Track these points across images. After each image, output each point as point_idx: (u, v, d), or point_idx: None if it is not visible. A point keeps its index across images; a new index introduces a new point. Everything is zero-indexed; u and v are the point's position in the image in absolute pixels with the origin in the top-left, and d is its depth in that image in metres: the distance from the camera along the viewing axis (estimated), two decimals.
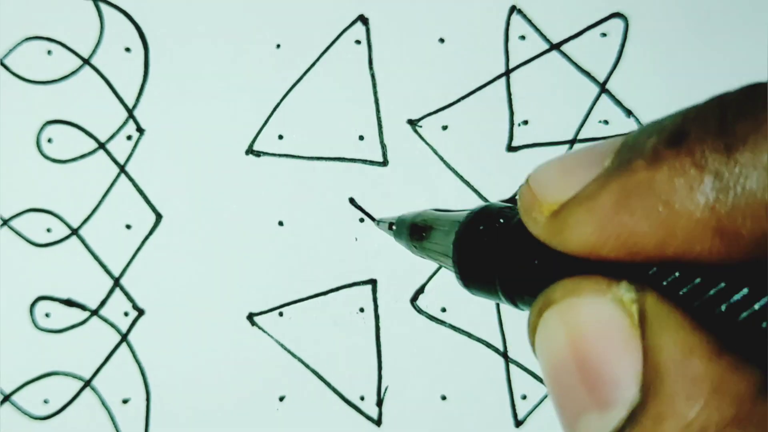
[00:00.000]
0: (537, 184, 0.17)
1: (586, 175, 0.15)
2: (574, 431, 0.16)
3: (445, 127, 0.33)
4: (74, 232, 0.33)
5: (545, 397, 0.33)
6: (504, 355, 0.33)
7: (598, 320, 0.16)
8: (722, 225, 0.14)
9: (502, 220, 0.22)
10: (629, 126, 0.32)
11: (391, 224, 0.30)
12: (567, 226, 0.15)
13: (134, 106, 0.33)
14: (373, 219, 0.33)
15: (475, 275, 0.23)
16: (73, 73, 0.33)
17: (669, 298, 0.15)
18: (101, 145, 0.33)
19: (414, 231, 0.28)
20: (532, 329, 0.18)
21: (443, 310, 0.33)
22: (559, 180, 0.16)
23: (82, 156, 0.33)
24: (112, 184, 0.33)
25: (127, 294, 0.33)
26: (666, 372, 0.14)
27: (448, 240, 0.25)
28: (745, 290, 0.15)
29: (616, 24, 0.32)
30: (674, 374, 0.14)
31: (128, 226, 0.33)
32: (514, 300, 0.21)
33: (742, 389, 0.13)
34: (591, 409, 0.16)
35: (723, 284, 0.15)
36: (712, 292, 0.15)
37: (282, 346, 0.33)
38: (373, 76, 0.33)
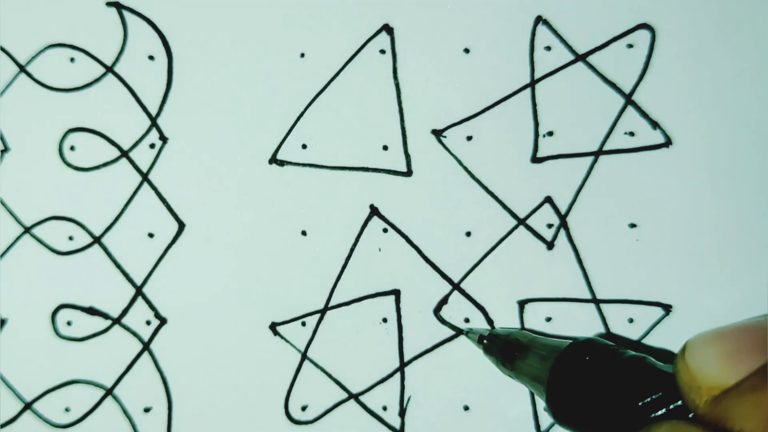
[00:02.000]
0: (695, 364, 0.16)
1: (750, 362, 0.15)
2: None
3: (469, 138, 0.33)
4: (96, 240, 0.33)
5: None
6: None
7: None
8: None
9: (606, 357, 0.22)
10: (655, 138, 0.32)
11: (482, 337, 0.30)
12: (730, 417, 0.15)
13: (157, 115, 0.33)
14: (396, 229, 0.33)
15: (569, 407, 0.23)
16: (96, 80, 0.33)
17: None
18: (124, 153, 0.33)
19: (507, 349, 0.28)
20: None
21: (466, 320, 0.33)
22: (720, 364, 0.16)
23: (105, 164, 0.33)
24: (134, 193, 0.33)
25: (149, 302, 0.33)
26: None
27: (545, 365, 0.25)
28: None
29: (643, 35, 0.32)
30: None
31: (151, 235, 0.33)
32: None
33: None
34: None
35: None
36: None
37: (304, 355, 0.33)
38: (397, 85, 0.33)
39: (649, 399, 0.19)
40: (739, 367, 0.15)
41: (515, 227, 0.33)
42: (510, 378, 0.28)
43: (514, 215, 0.33)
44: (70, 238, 0.33)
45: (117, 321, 0.33)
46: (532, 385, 0.27)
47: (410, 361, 0.33)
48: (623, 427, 0.20)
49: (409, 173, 0.33)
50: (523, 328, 0.32)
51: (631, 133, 0.32)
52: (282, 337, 0.33)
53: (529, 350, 0.27)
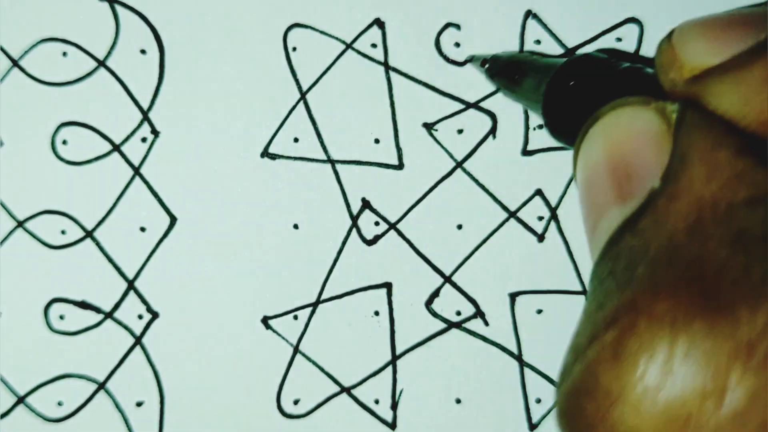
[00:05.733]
0: (681, 42, 0.15)
1: (739, 43, 0.14)
2: (595, 233, 0.16)
3: (460, 131, 0.33)
4: (89, 234, 0.33)
5: None
6: (519, 358, 0.33)
7: (636, 126, 0.15)
8: None
9: (601, 68, 0.22)
10: None
11: (484, 61, 0.29)
12: (708, 94, 0.14)
13: (149, 108, 0.33)
14: (388, 222, 0.33)
15: (565, 117, 0.22)
16: (88, 74, 0.33)
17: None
18: (116, 147, 0.33)
19: (509, 71, 0.28)
20: (576, 152, 0.17)
21: (458, 313, 0.33)
22: (707, 42, 0.15)
23: (97, 158, 0.33)
24: (126, 187, 0.33)
25: (141, 296, 0.33)
26: (690, 160, 0.14)
27: (545, 80, 0.24)
28: None
29: (632, 29, 0.32)
30: (698, 162, 0.13)
31: (143, 229, 0.33)
32: None
33: (760, 180, 0.13)
34: (614, 204, 0.15)
35: None
36: None
37: (296, 349, 0.33)
38: (389, 79, 0.33)
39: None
40: (726, 47, 0.15)
41: (506, 220, 0.33)
42: (513, 100, 0.27)
43: (504, 208, 0.33)
44: (63, 232, 0.33)
45: (109, 315, 0.33)
46: (532, 105, 0.26)
47: (402, 355, 0.33)
48: None
49: (400, 166, 0.33)
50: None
51: None
52: (274, 331, 0.33)
53: (529, 70, 0.26)
